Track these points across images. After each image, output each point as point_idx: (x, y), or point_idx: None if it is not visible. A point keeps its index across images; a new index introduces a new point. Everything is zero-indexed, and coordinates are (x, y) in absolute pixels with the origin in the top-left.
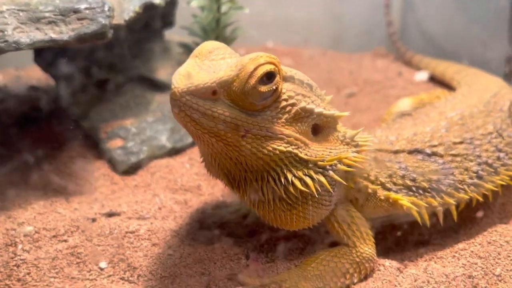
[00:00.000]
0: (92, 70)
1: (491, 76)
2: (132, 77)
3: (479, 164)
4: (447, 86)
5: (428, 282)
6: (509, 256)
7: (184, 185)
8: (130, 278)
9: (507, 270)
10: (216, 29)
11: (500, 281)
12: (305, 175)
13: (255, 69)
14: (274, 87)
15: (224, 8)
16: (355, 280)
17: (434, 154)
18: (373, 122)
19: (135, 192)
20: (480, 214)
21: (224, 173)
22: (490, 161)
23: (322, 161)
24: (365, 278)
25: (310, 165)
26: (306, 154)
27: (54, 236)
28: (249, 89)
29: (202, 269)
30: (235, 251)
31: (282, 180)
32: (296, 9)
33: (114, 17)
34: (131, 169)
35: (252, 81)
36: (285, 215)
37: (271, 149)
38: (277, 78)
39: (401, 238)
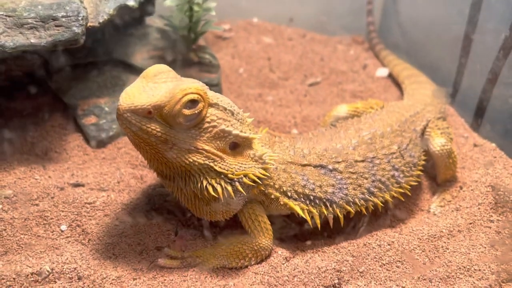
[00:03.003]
0: (74, 52)
1: (432, 87)
2: (111, 60)
3: (373, 181)
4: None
5: (303, 272)
6: (375, 258)
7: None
8: (83, 241)
9: (370, 268)
10: (189, 23)
11: (361, 276)
12: (217, 183)
13: (182, 97)
14: (197, 112)
15: (195, 7)
16: (252, 263)
17: (335, 170)
18: (321, 117)
19: (102, 164)
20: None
21: (157, 171)
22: (383, 179)
23: (232, 174)
24: (260, 262)
25: (222, 176)
26: (220, 167)
27: (28, 200)
28: (176, 112)
29: (139, 240)
30: (168, 228)
31: (199, 185)
32: None
33: (87, 24)
34: (101, 144)
35: (178, 106)
36: (202, 209)
37: (191, 160)
38: (200, 104)
39: (305, 231)
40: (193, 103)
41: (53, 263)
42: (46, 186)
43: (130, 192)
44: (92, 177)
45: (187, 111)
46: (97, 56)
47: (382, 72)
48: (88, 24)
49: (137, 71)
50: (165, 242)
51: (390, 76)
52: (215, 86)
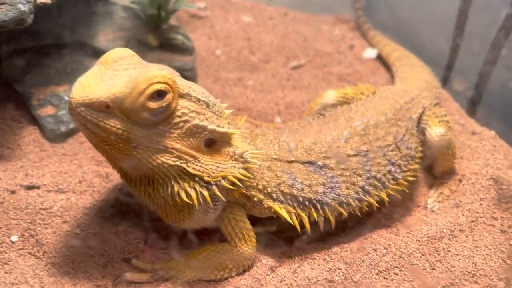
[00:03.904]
0: (27, 34)
1: (425, 70)
2: (70, 42)
3: (368, 178)
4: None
5: (291, 285)
6: (371, 264)
7: None
8: (37, 254)
9: (365, 277)
10: (159, 0)
11: (356, 286)
12: (191, 187)
13: (147, 87)
14: (164, 104)
15: None
16: (233, 274)
17: (325, 166)
18: (306, 104)
19: (62, 161)
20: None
21: (121, 173)
22: (379, 175)
23: (208, 176)
24: (243, 273)
25: (197, 179)
26: (194, 169)
27: None
28: (139, 106)
29: (103, 250)
30: (136, 235)
31: (170, 190)
32: None
33: (36, 1)
34: (61, 138)
35: (142, 98)
36: (174, 216)
37: (160, 162)
38: (169, 96)
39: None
40: (160, 94)
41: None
42: None
43: (93, 193)
44: (49, 176)
45: (152, 104)
46: (54, 38)
47: (370, 53)
48: (39, 1)
49: (100, 54)
50: (133, 252)
51: (379, 57)
52: (189, 71)
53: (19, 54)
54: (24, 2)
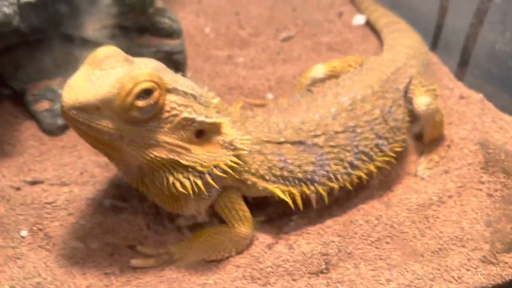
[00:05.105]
0: (15, 31)
1: (414, 36)
2: (59, 34)
3: (356, 153)
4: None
5: (288, 260)
6: (363, 236)
7: None
8: (47, 247)
9: (358, 248)
10: None
11: (349, 258)
12: (185, 178)
13: (133, 87)
14: (152, 102)
15: None
16: (233, 254)
17: (314, 145)
18: (297, 77)
19: (62, 153)
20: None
21: (118, 167)
22: (366, 150)
23: (201, 166)
24: (242, 252)
25: (190, 170)
26: (187, 160)
27: None
28: (127, 105)
29: (108, 239)
30: (138, 222)
31: (165, 181)
32: None
33: (20, 2)
34: (58, 131)
35: (130, 98)
36: (173, 205)
37: (153, 156)
38: (156, 93)
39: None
40: (147, 92)
41: (14, 279)
42: (0, 187)
43: (95, 183)
44: (51, 170)
45: (141, 103)
46: (42, 32)
47: (359, 19)
48: (23, 0)
49: (90, 44)
50: (137, 238)
51: (368, 23)
52: (178, 54)
53: (9, 51)
54: (7, 4)
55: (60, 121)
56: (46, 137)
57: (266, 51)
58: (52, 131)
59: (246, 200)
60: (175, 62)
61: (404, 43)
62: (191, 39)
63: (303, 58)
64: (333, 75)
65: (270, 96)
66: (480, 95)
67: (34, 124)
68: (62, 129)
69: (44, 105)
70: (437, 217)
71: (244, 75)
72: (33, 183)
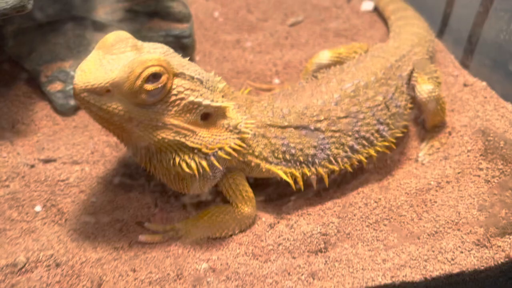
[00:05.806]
0: (29, 13)
1: (420, 23)
2: (71, 17)
3: (356, 138)
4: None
5: (288, 239)
6: (361, 217)
7: None
8: (59, 222)
9: (356, 229)
10: None
11: (348, 238)
12: (190, 159)
13: (142, 71)
14: (160, 85)
15: None
16: (236, 232)
17: (317, 129)
18: (304, 62)
19: (74, 133)
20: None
21: (127, 148)
22: (367, 135)
23: (206, 148)
24: (244, 230)
25: (196, 151)
26: (192, 142)
27: None
28: (137, 89)
29: (117, 215)
30: (146, 200)
31: (171, 162)
32: None
33: None
34: (70, 111)
35: (139, 82)
36: (179, 184)
37: (160, 137)
38: (164, 77)
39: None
40: (155, 76)
41: (29, 251)
42: (15, 165)
43: (105, 162)
44: (64, 149)
45: (149, 86)
46: (55, 15)
47: (367, 5)
48: None
49: (101, 27)
50: (145, 216)
51: (376, 9)
52: (186, 38)
53: (24, 33)
54: None
55: (72, 102)
56: (59, 117)
57: (274, 36)
58: (65, 112)
59: (248, 180)
60: (184, 46)
61: (410, 30)
62: (201, 23)
63: (310, 43)
64: (338, 61)
65: (276, 81)
66: (484, 83)
67: (47, 105)
68: (74, 110)
69: (57, 86)
70: (435, 202)
71: (252, 60)
72: (47, 161)
